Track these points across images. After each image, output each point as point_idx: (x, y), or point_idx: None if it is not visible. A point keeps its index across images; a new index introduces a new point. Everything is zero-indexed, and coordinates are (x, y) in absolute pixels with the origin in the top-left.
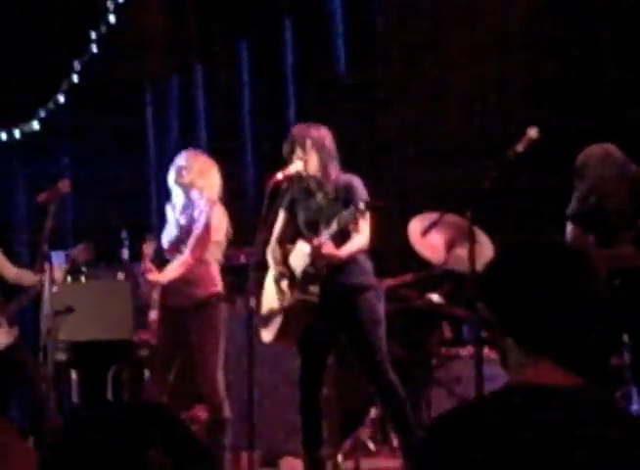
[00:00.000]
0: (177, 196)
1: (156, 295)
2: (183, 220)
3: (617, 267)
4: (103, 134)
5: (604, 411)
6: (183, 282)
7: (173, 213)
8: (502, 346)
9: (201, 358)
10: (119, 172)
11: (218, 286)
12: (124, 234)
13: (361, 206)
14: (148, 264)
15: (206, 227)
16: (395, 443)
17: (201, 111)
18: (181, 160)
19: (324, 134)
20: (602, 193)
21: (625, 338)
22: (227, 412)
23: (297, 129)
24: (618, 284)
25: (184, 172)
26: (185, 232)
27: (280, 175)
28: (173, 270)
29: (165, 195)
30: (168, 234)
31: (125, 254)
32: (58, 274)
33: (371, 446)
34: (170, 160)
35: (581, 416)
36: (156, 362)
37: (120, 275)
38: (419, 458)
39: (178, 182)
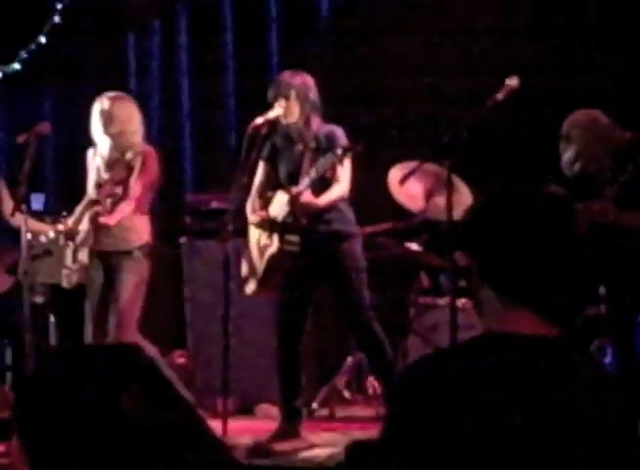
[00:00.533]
0: (104, 144)
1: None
2: (111, 164)
3: (595, 222)
4: (85, 75)
5: (577, 364)
6: (118, 227)
7: (98, 158)
8: (480, 294)
9: (122, 308)
10: None
11: (147, 236)
12: None
13: (339, 151)
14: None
15: (149, 174)
16: (371, 391)
17: (183, 52)
18: (105, 105)
19: (308, 83)
20: (587, 159)
21: (602, 290)
22: (152, 352)
23: (282, 76)
24: (596, 237)
25: (113, 121)
26: (116, 178)
27: (260, 120)
28: (118, 214)
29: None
30: (96, 181)
31: None
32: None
33: (346, 394)
34: (151, 102)
35: (555, 367)
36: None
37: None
38: (395, 403)
39: (107, 132)
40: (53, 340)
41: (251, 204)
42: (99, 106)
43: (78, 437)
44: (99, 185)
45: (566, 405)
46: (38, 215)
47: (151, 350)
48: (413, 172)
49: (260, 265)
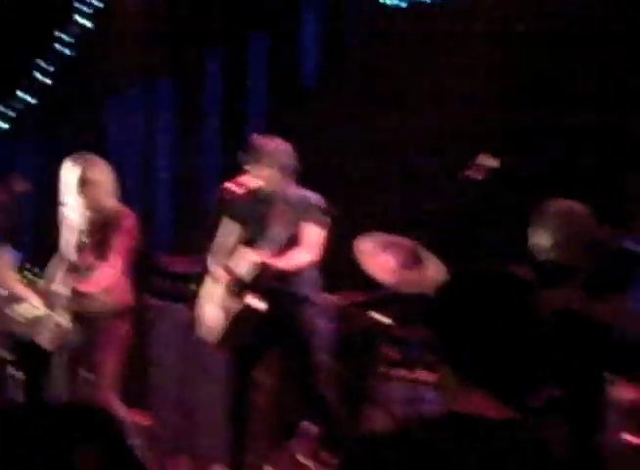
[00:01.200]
0: (79, 205)
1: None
2: (88, 226)
3: (558, 308)
4: (68, 136)
5: (529, 450)
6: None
7: (71, 217)
8: (441, 373)
9: (99, 369)
10: None
11: (129, 297)
12: None
13: (313, 213)
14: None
15: (128, 236)
16: (325, 458)
17: (163, 116)
18: (77, 169)
19: (283, 148)
20: (563, 252)
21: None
22: (123, 413)
23: (257, 141)
24: (561, 324)
25: (88, 184)
26: (99, 239)
27: (234, 186)
28: (104, 279)
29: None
30: (69, 238)
31: None
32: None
33: (301, 459)
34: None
35: (506, 452)
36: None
37: None
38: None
39: (86, 196)
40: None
41: (219, 260)
42: (71, 169)
43: None
44: (79, 248)
45: None
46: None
47: (122, 412)
48: (388, 243)
49: (220, 322)
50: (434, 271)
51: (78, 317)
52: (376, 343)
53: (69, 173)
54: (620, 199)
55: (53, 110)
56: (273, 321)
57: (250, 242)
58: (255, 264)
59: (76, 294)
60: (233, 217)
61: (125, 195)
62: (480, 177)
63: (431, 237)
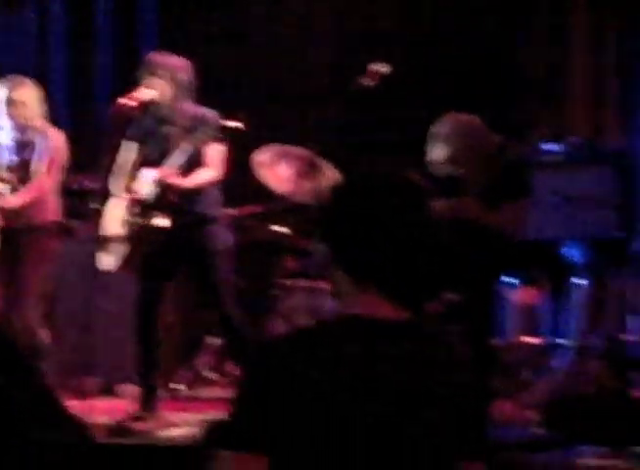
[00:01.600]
0: (3, 121)
1: None
2: (13, 144)
3: (456, 217)
4: None
5: (422, 347)
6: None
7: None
8: (334, 277)
9: (23, 286)
10: None
11: (56, 214)
12: None
13: (212, 130)
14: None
15: (57, 153)
16: (231, 372)
17: (57, 30)
18: (5, 90)
19: (180, 64)
20: (458, 164)
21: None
22: (43, 337)
23: (154, 57)
24: (457, 232)
25: (18, 107)
26: (25, 156)
27: (128, 100)
28: (29, 194)
29: None
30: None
31: None
32: None
33: (207, 374)
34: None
35: (400, 351)
36: None
37: None
38: (245, 379)
39: (13, 117)
40: None
41: (116, 181)
42: (2, 92)
43: None
44: (9, 168)
45: (416, 389)
46: None
47: (42, 333)
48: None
49: (123, 242)
50: (330, 179)
51: (4, 233)
52: (276, 254)
53: None
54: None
55: None
56: (177, 240)
57: (150, 161)
58: (158, 183)
59: (2, 209)
60: (132, 137)
61: None
62: (372, 84)
63: (327, 146)
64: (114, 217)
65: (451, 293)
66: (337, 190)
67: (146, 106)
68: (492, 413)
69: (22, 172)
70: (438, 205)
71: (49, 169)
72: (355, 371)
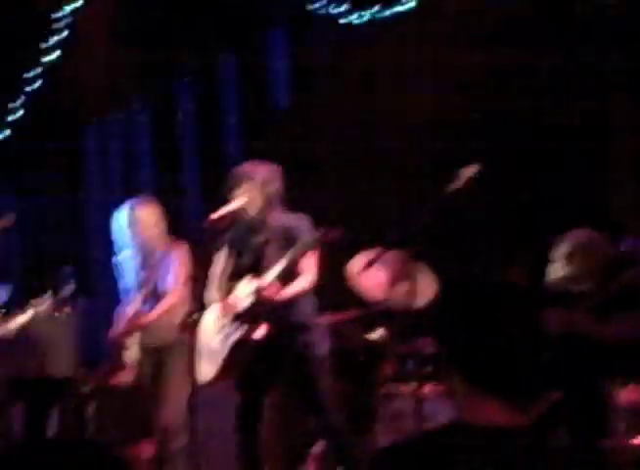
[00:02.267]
0: (128, 241)
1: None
2: (143, 266)
3: (570, 331)
4: (46, 170)
5: (538, 456)
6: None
7: (132, 262)
8: (452, 384)
9: (172, 390)
10: (62, 209)
11: None
12: (68, 270)
13: (309, 241)
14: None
15: (183, 269)
16: None
17: (144, 149)
18: (133, 213)
19: (269, 174)
20: (580, 282)
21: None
22: (180, 443)
23: (242, 167)
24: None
25: (143, 228)
26: (151, 274)
27: (219, 213)
28: (160, 311)
29: (104, 230)
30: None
31: (69, 289)
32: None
33: None
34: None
35: (517, 460)
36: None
37: (66, 310)
38: None
39: (139, 239)
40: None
41: (218, 289)
42: (124, 214)
43: None
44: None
45: None
46: (3, 307)
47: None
48: (374, 262)
49: (221, 352)
50: (425, 284)
51: (144, 350)
52: (375, 360)
53: (123, 219)
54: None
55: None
56: (275, 350)
57: (243, 271)
58: (256, 294)
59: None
60: (224, 248)
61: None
62: (462, 187)
63: (420, 248)
64: (210, 328)
65: (554, 393)
66: (449, 296)
67: (235, 217)
68: None
69: (149, 291)
70: (553, 317)
71: (177, 284)
72: None
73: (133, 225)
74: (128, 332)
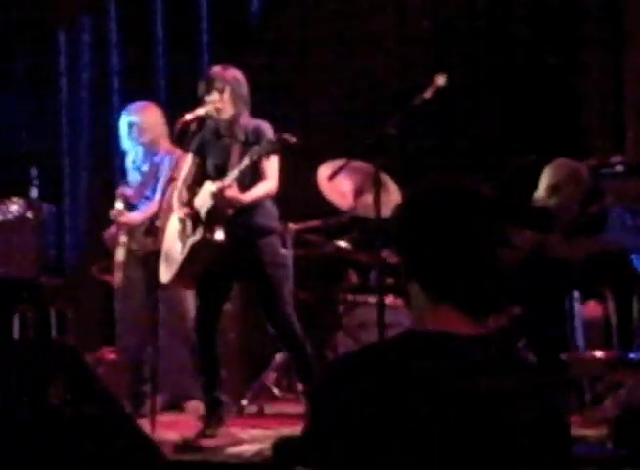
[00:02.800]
0: (134, 151)
1: (123, 237)
2: (145, 168)
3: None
4: (15, 72)
5: (499, 360)
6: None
7: (133, 164)
8: (409, 291)
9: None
10: (30, 112)
11: None
12: (34, 172)
13: (268, 143)
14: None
15: (173, 172)
16: (300, 388)
17: (114, 49)
18: (134, 116)
19: (239, 77)
20: (566, 212)
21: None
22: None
23: (213, 70)
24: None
25: (143, 131)
26: (148, 177)
27: (188, 116)
28: (143, 213)
29: (73, 134)
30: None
31: (35, 192)
32: None
33: (276, 391)
34: (82, 99)
35: (474, 364)
36: (119, 302)
37: (29, 214)
38: (315, 398)
39: (140, 142)
40: None
41: (178, 195)
42: (126, 118)
43: (7, 428)
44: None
45: (494, 405)
46: None
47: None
48: (341, 170)
49: (180, 255)
50: (390, 194)
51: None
52: (339, 268)
53: (125, 123)
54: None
55: None
56: (235, 254)
57: (210, 174)
58: (216, 196)
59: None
60: (192, 151)
61: (77, 130)
62: (430, 96)
63: (389, 160)
64: (173, 233)
65: (515, 307)
66: (407, 203)
67: (202, 120)
68: None
69: (143, 194)
70: (526, 236)
71: (159, 192)
72: (431, 387)
73: (132, 129)
74: (116, 232)
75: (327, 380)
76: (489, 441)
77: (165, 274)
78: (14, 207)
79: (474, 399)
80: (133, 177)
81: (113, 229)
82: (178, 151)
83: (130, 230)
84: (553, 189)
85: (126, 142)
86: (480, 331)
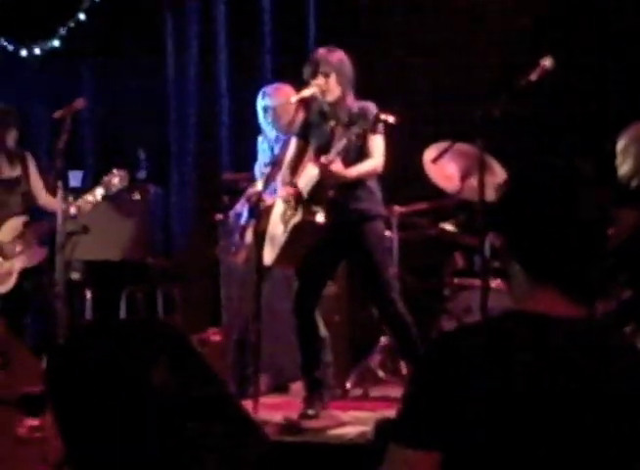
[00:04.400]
0: (270, 132)
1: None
2: (277, 150)
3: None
4: (123, 55)
5: (602, 343)
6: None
7: (267, 145)
8: (509, 271)
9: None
10: (138, 94)
11: None
12: (142, 154)
13: (370, 120)
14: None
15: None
16: (404, 371)
17: (221, 31)
18: (268, 100)
19: (344, 59)
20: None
21: None
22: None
23: (319, 53)
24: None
25: (278, 115)
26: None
27: (293, 99)
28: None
29: (182, 116)
30: (262, 163)
31: (142, 174)
32: (87, 206)
33: (380, 374)
34: (188, 80)
35: (576, 346)
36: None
37: (136, 195)
38: (419, 370)
39: (275, 126)
40: (88, 316)
41: (282, 177)
42: (261, 102)
43: (110, 409)
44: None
45: (595, 385)
46: (76, 192)
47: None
48: (445, 152)
49: (282, 237)
50: (498, 177)
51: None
52: (444, 252)
53: (261, 107)
54: None
55: (104, 29)
56: (339, 237)
57: (314, 156)
58: (320, 170)
59: None
60: (298, 134)
61: (184, 114)
62: (538, 79)
63: (495, 143)
64: (278, 213)
65: (626, 290)
66: (509, 183)
67: (308, 102)
68: None
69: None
70: (626, 214)
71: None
72: (530, 367)
73: (267, 112)
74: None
75: (428, 356)
76: (596, 420)
77: (269, 256)
78: (115, 179)
79: (575, 381)
80: (266, 159)
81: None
82: None
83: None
84: (623, 154)
85: (263, 125)
86: (582, 312)
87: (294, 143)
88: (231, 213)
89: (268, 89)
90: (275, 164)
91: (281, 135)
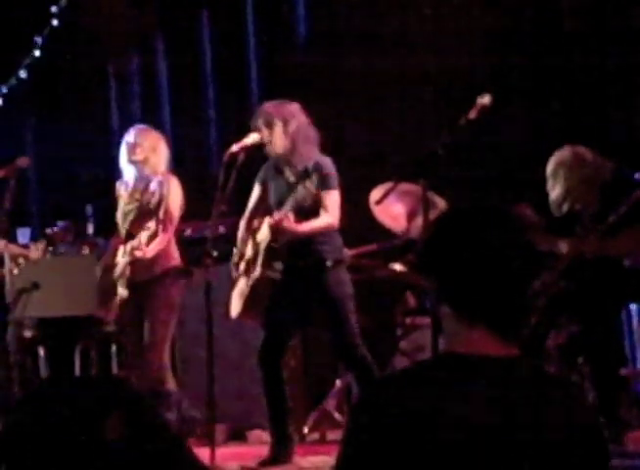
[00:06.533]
0: (129, 173)
1: (127, 271)
2: (138, 196)
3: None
4: (66, 111)
5: (534, 380)
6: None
7: (126, 191)
8: (440, 314)
9: (152, 332)
10: (83, 149)
11: (177, 260)
12: (89, 210)
13: (314, 181)
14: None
15: (173, 202)
16: None
17: (163, 83)
18: (130, 137)
19: (296, 112)
20: (575, 198)
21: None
22: (171, 386)
23: (265, 107)
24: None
25: (137, 150)
26: (145, 208)
27: (235, 147)
28: (156, 246)
29: None
30: (123, 211)
31: (91, 228)
32: (35, 254)
33: (337, 417)
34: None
35: (508, 385)
36: (124, 338)
37: (85, 250)
38: (350, 424)
39: (131, 160)
40: (43, 374)
41: (243, 227)
42: (125, 138)
43: (61, 467)
44: (124, 215)
45: (535, 429)
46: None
47: (171, 383)
48: (389, 193)
49: (246, 289)
50: None
51: (131, 285)
52: (395, 292)
53: (124, 143)
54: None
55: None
56: (304, 289)
57: (273, 208)
58: (272, 229)
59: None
60: (259, 182)
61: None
62: (475, 116)
63: (438, 180)
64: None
65: (573, 325)
66: (439, 224)
67: (250, 150)
68: (626, 443)
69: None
70: (564, 246)
71: (170, 219)
72: (465, 410)
73: (132, 148)
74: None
75: (364, 404)
76: (526, 460)
77: (235, 308)
78: (34, 253)
79: (508, 419)
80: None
81: None
82: (172, 178)
83: None
84: (553, 178)
85: (122, 162)
86: (512, 352)
87: (255, 191)
88: None
89: (140, 126)
90: None
91: (140, 177)
